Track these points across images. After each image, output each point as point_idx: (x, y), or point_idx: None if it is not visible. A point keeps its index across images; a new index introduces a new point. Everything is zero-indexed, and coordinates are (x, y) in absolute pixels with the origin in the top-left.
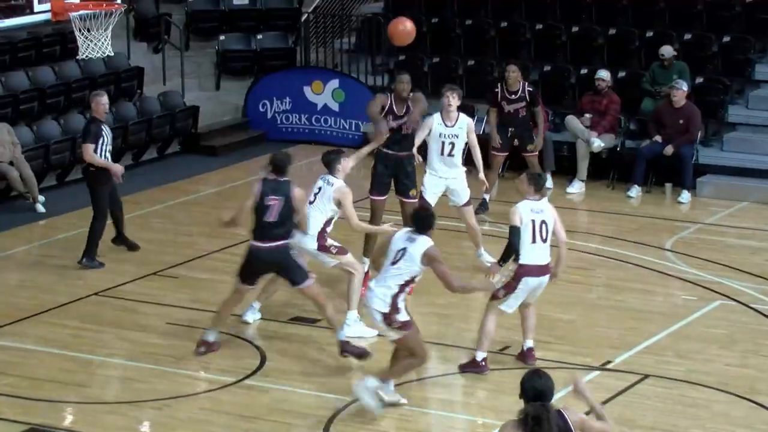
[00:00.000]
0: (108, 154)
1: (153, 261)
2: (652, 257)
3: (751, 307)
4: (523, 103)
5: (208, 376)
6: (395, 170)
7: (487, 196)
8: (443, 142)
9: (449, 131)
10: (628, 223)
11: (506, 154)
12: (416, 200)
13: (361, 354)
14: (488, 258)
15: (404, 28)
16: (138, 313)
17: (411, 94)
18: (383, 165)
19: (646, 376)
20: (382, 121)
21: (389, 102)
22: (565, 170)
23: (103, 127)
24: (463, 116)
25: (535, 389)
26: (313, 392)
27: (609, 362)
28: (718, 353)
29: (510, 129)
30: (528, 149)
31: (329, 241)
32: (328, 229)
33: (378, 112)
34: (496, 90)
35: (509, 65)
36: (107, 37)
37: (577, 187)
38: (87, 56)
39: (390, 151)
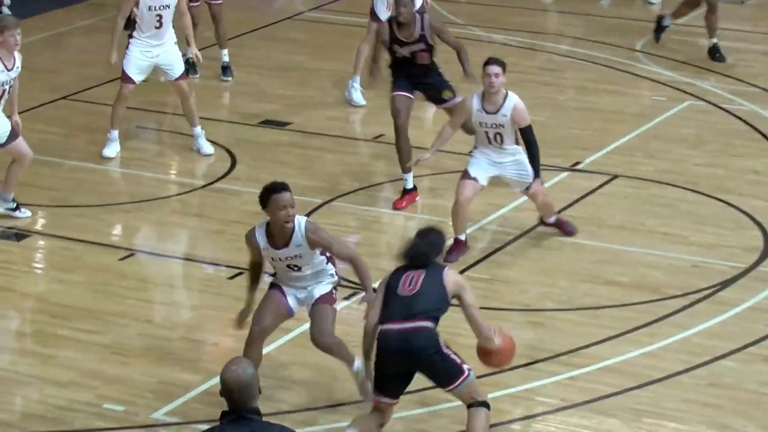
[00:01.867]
0: None
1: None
2: (622, 58)
3: (721, 107)
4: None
5: (179, 179)
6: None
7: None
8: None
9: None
10: (598, 25)
11: None
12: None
13: None
14: None
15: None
16: (107, 117)
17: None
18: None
19: (616, 176)
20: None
21: (388, 31)
22: None
23: None
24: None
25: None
26: None
27: (578, 163)
28: (687, 153)
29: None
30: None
31: None
32: None
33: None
34: None
35: None
36: None
37: None
38: None
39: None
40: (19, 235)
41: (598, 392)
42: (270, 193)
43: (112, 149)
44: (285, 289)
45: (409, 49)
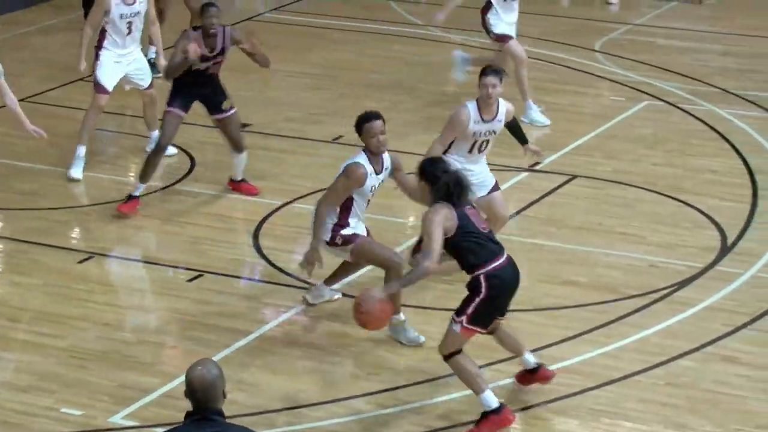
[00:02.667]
0: None
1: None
2: (581, 59)
3: (678, 107)
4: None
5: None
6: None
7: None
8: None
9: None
10: (557, 25)
11: None
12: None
13: None
14: None
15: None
16: (68, 119)
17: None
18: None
19: (574, 177)
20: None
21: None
22: None
23: None
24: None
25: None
26: (243, 196)
27: (537, 163)
28: (644, 153)
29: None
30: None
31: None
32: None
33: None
34: None
35: None
36: None
37: None
38: None
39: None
40: None
41: (556, 392)
42: (362, 122)
43: (79, 170)
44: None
45: (208, 63)
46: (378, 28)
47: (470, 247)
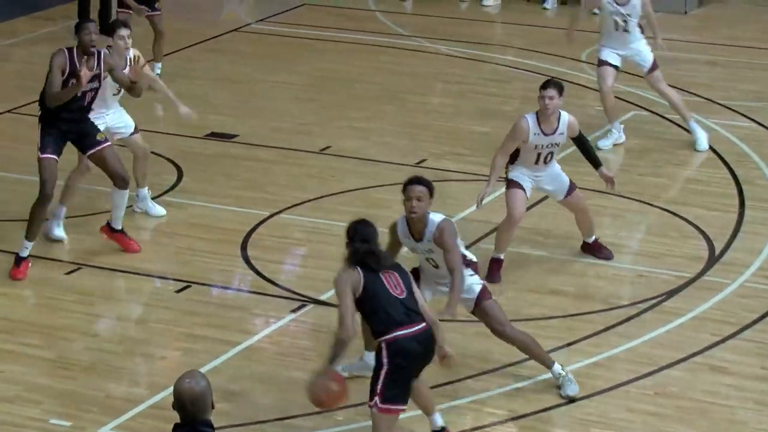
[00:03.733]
0: None
1: None
2: (567, 69)
3: (665, 117)
4: None
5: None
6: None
7: None
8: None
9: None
10: (543, 35)
11: None
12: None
13: None
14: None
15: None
16: None
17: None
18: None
19: None
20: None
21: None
22: None
23: None
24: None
25: (363, 234)
26: (230, 207)
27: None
28: (631, 163)
29: None
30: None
31: None
32: None
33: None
34: None
35: None
36: None
37: (492, 0)
38: None
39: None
40: None
41: (545, 403)
42: (405, 185)
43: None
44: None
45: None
46: (364, 39)
47: (375, 311)
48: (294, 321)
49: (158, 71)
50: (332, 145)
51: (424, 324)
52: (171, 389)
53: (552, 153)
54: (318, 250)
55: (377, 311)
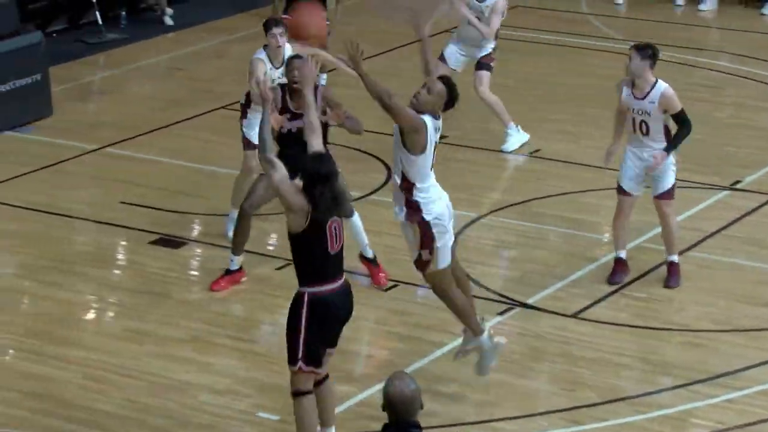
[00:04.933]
0: None
1: None
2: None
3: None
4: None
5: None
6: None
7: None
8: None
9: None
10: (760, 41)
11: None
12: None
13: None
14: None
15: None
16: None
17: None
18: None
19: None
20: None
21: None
22: None
23: None
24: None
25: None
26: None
27: (738, 182)
28: None
29: None
30: None
31: None
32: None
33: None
34: None
35: None
36: None
37: (709, 4)
38: None
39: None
40: (177, 243)
41: (756, 416)
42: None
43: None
44: None
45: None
46: (577, 42)
47: (307, 257)
48: (500, 324)
49: (323, 81)
50: (540, 148)
51: (345, 280)
52: (377, 387)
53: (645, 122)
54: (525, 254)
55: (310, 259)
